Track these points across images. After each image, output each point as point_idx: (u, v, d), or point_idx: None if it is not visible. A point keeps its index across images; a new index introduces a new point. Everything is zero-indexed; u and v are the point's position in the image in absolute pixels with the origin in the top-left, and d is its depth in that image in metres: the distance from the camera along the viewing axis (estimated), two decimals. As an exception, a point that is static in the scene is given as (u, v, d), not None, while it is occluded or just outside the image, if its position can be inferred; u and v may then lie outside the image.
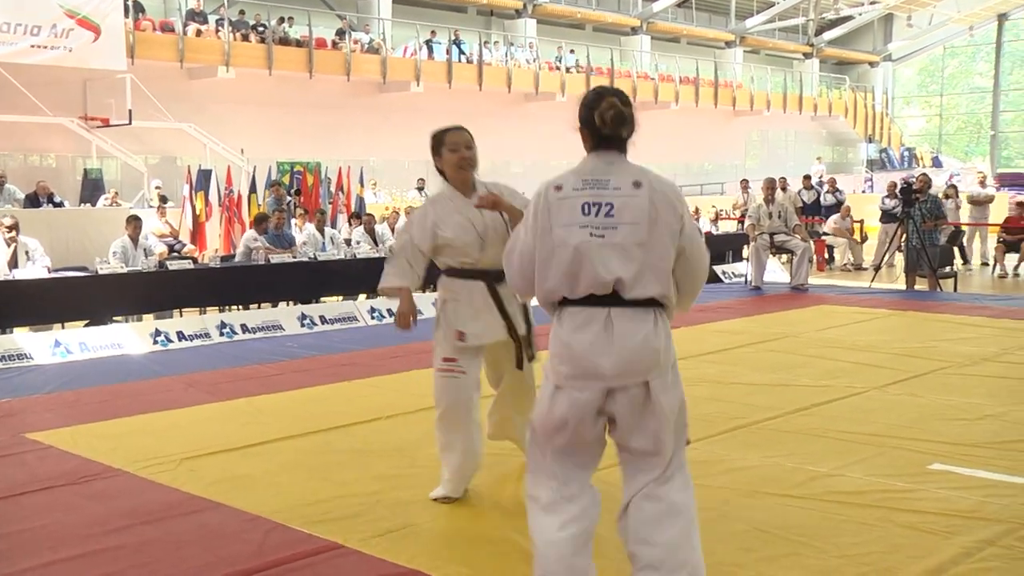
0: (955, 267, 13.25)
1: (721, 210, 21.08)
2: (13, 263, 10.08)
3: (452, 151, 4.21)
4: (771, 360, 7.56)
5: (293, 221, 12.47)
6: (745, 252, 13.35)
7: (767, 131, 30.65)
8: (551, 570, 3.13)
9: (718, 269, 14.05)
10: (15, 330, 8.77)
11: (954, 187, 17.86)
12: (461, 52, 22.98)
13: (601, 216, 3.07)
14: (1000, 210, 16.77)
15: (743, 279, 13.12)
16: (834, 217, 17.11)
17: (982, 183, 18.33)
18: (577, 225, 3.05)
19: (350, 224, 13.79)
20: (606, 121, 3.06)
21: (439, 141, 4.27)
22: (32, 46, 15.20)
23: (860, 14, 33.24)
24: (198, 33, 18.59)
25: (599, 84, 3.41)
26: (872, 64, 36.13)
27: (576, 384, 3.04)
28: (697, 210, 18.77)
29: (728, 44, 31.13)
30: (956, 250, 14.19)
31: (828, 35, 34.20)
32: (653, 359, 3.05)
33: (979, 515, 4.02)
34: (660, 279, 3.07)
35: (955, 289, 12.45)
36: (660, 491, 3.09)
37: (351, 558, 3.65)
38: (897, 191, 14.28)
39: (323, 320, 9.85)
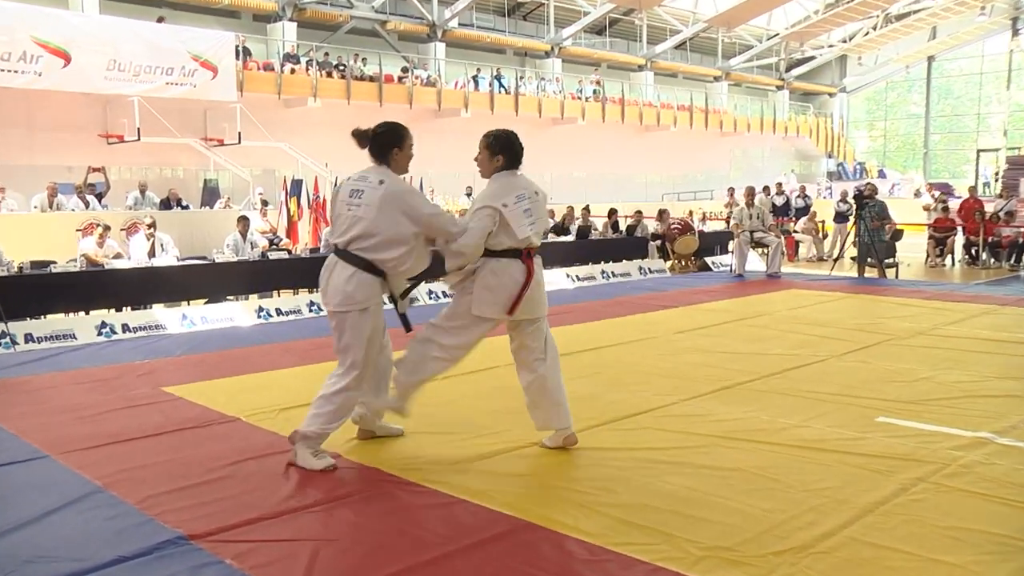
0: (896, 258, 13.02)
1: (709, 212, 20.81)
2: (152, 253, 10.26)
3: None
4: (750, 334, 7.49)
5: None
6: (730, 246, 13.19)
7: (747, 148, 30.22)
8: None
9: (708, 260, 14.01)
10: (153, 306, 8.82)
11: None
12: (501, 85, 22.80)
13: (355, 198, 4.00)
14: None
15: (728, 268, 12.99)
16: (804, 218, 16.99)
17: (932, 196, 17.87)
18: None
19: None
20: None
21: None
22: (166, 83, 15.38)
23: (820, 54, 32.87)
24: (292, 71, 18.65)
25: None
26: (831, 95, 35.56)
27: None
28: (690, 212, 18.60)
29: (716, 79, 30.75)
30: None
31: (795, 71, 33.75)
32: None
33: (913, 458, 4.00)
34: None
35: (896, 276, 12.34)
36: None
37: (418, 489, 3.67)
38: (850, 197, 14.11)
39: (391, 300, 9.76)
